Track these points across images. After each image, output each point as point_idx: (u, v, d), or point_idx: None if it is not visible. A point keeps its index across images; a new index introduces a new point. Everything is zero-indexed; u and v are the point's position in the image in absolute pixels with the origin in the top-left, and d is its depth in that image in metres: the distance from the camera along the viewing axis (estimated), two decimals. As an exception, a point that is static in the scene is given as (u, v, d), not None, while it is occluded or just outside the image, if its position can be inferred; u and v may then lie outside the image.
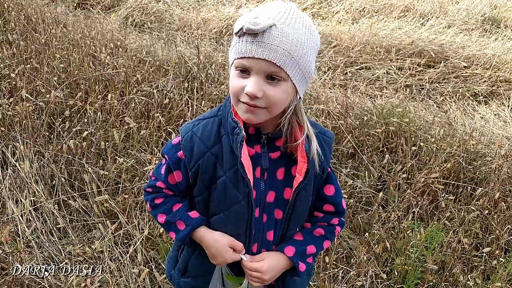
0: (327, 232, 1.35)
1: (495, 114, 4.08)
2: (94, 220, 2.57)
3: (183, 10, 5.61)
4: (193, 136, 1.23)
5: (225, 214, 1.24)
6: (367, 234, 2.49)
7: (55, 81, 3.31)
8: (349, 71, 4.45)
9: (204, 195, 1.26)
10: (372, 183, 2.89)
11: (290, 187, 1.24)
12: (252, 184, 1.19)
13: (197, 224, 1.27)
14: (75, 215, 2.62)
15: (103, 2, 5.46)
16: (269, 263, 1.26)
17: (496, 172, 2.93)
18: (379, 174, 2.94)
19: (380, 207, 2.75)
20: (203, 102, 3.29)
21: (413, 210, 2.69)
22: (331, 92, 3.87)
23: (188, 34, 4.91)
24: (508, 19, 5.85)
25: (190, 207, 1.30)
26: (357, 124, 3.25)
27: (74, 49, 3.78)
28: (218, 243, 1.25)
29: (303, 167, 1.21)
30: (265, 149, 1.23)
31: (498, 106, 4.19)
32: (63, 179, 2.70)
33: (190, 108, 3.24)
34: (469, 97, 4.25)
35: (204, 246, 1.28)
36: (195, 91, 3.39)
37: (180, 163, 1.25)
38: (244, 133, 1.16)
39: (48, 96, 3.08)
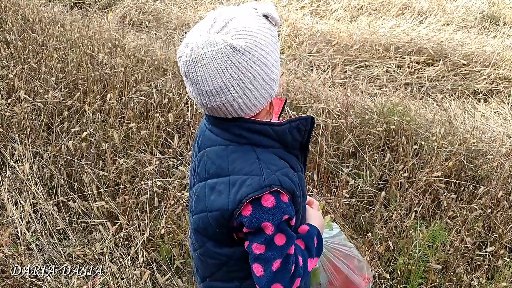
0: None
1: (495, 112, 4.08)
2: (94, 221, 2.55)
3: (181, 9, 5.58)
4: (281, 171, 1.10)
5: (304, 199, 1.25)
6: (369, 234, 2.48)
7: (53, 81, 3.28)
8: (349, 69, 4.43)
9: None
10: (373, 182, 2.87)
11: None
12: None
13: (316, 227, 1.24)
14: (75, 216, 2.59)
15: (100, 1, 5.43)
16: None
17: (498, 171, 2.92)
18: (380, 173, 2.93)
19: (382, 206, 2.73)
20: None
21: (415, 209, 2.67)
22: (330, 90, 3.85)
23: (186, 33, 4.87)
24: (507, 16, 5.84)
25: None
26: (357, 123, 3.23)
27: (72, 49, 3.75)
28: (318, 215, 1.30)
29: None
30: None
31: (498, 104, 4.18)
32: (62, 180, 2.68)
33: (189, 108, 3.22)
34: (468, 95, 4.24)
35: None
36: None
37: (291, 206, 1.12)
38: (309, 115, 1.20)
39: (46, 96, 3.05)
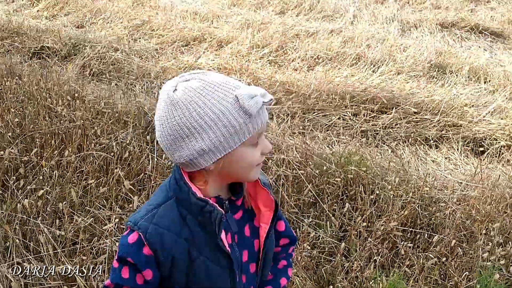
0: (288, 261, 1.46)
1: (445, 158, 4.27)
2: (50, 283, 2.45)
3: (142, 58, 5.64)
4: (157, 228, 1.15)
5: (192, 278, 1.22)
6: (331, 286, 2.50)
7: (10, 136, 3.22)
8: (307, 118, 4.57)
9: (182, 282, 1.19)
10: (334, 232, 2.93)
11: (257, 239, 1.29)
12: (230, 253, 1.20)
13: None
14: (30, 279, 2.49)
15: (60, 52, 5.42)
16: None
17: (450, 218, 3.04)
18: (340, 223, 2.99)
19: (343, 257, 2.78)
20: (164, 154, 3.27)
21: (374, 258, 2.73)
22: (291, 140, 3.95)
23: (147, 83, 4.92)
24: (453, 65, 6.22)
25: None
26: (317, 173, 3.31)
27: (30, 102, 3.71)
28: None
29: (269, 215, 1.27)
30: (229, 213, 1.24)
31: (448, 150, 4.40)
32: (17, 240, 2.59)
33: (150, 161, 3.21)
34: (421, 142, 4.44)
35: None
36: (155, 143, 3.38)
37: (149, 261, 1.15)
38: (222, 210, 1.16)
39: (2, 153, 2.98)
